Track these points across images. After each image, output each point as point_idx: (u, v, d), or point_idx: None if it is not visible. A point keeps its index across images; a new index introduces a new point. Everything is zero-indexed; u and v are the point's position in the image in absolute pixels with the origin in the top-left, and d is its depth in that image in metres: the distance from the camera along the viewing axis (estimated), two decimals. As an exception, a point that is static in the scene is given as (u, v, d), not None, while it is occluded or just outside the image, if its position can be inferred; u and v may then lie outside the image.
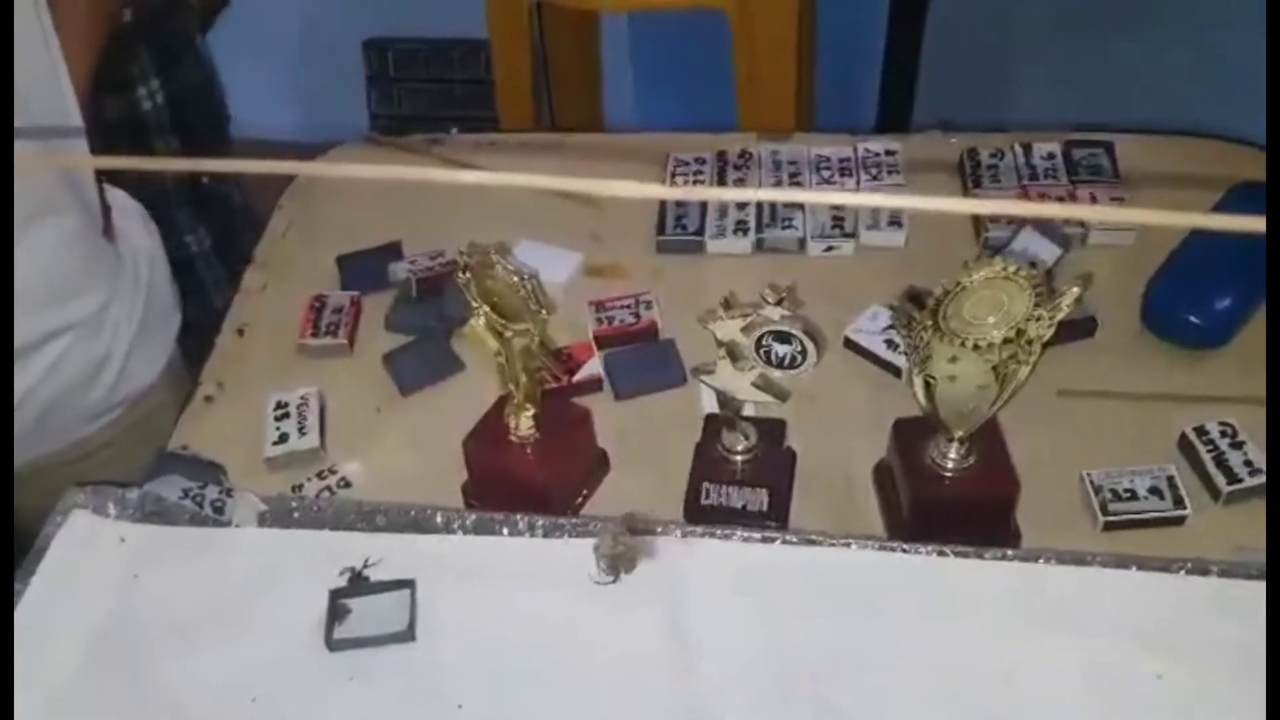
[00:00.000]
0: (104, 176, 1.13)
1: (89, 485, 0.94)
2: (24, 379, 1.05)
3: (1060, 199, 1.14)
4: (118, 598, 0.89)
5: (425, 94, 2.55)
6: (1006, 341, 0.80)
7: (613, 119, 2.21)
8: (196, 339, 1.14)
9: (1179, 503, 0.90)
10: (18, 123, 0.96)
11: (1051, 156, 1.19)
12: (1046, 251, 1.08)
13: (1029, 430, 0.94)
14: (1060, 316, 0.79)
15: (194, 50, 1.67)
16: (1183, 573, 0.83)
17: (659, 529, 0.88)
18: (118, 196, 1.18)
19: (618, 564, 0.84)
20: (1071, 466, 0.94)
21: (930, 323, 0.80)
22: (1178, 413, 0.97)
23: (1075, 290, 0.79)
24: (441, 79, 2.51)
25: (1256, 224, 0.31)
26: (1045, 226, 1.10)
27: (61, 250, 1.04)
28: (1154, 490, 0.91)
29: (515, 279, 0.81)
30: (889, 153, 1.20)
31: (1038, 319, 0.79)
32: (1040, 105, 1.93)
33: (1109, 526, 0.90)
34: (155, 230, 1.22)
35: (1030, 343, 0.81)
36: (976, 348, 0.80)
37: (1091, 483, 0.92)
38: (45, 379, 1.07)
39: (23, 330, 1.04)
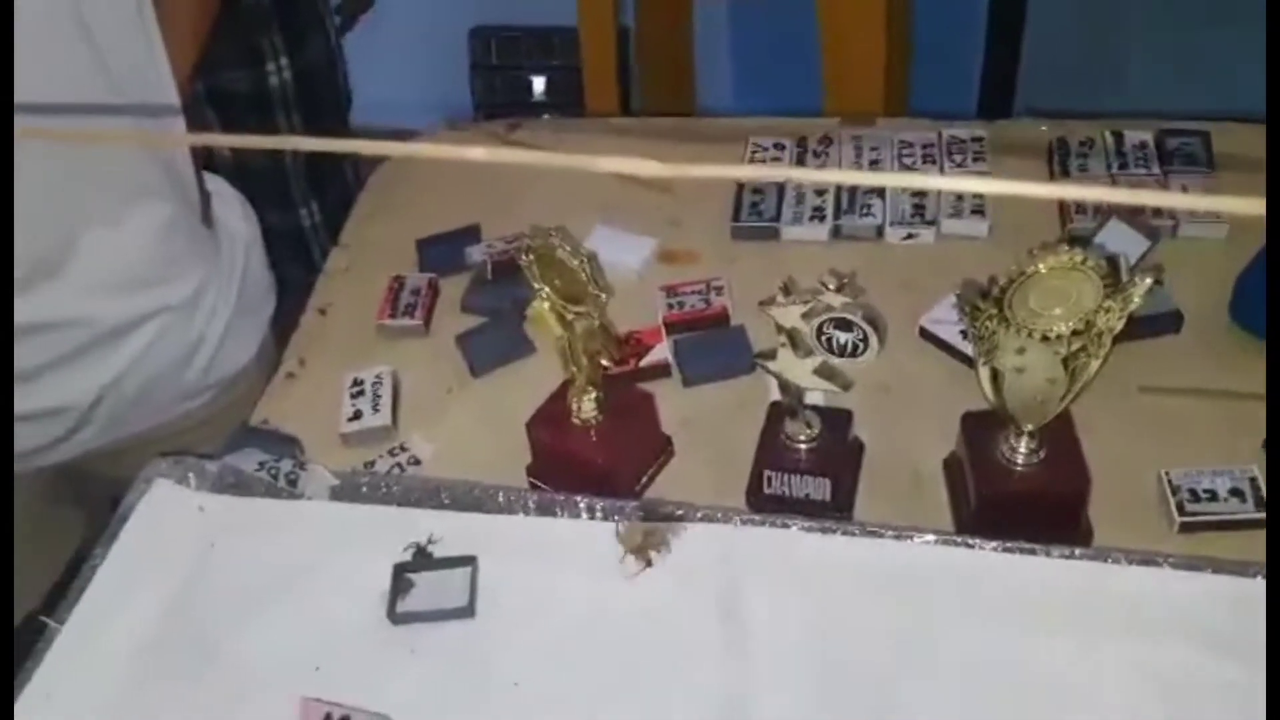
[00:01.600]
0: (203, 163, 1.16)
1: (171, 456, 0.97)
2: (120, 359, 1.09)
3: (1150, 188, 1.10)
4: (194, 564, 0.92)
5: (526, 81, 2.58)
6: (1075, 333, 0.78)
7: (707, 106, 2.19)
8: (300, 312, 1.17)
9: (1261, 505, 0.87)
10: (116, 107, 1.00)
11: (1143, 145, 1.15)
12: (1134, 243, 1.05)
13: (1108, 427, 0.92)
14: (1131, 309, 0.77)
15: (324, 30, 1.70)
16: (1258, 577, 0.80)
17: (694, 514, 0.87)
18: (218, 184, 1.21)
19: (644, 552, 0.83)
20: (1150, 465, 0.91)
21: (995, 311, 0.78)
22: (1264, 412, 0.93)
23: (1147, 282, 0.76)
24: (542, 66, 2.53)
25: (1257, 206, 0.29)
26: (1133, 218, 1.07)
27: (159, 234, 1.07)
28: (1235, 491, 0.88)
29: (575, 261, 0.82)
30: (975, 139, 1.18)
31: (1107, 310, 0.77)
32: (1147, 93, 1.87)
33: (1185, 528, 0.87)
34: (254, 218, 1.25)
35: (1100, 335, 0.78)
36: (1045, 339, 0.78)
37: (1170, 482, 0.89)
38: (140, 359, 1.10)
39: (119, 311, 1.07)
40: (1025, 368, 0.81)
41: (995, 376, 0.82)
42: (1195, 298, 1.02)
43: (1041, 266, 0.75)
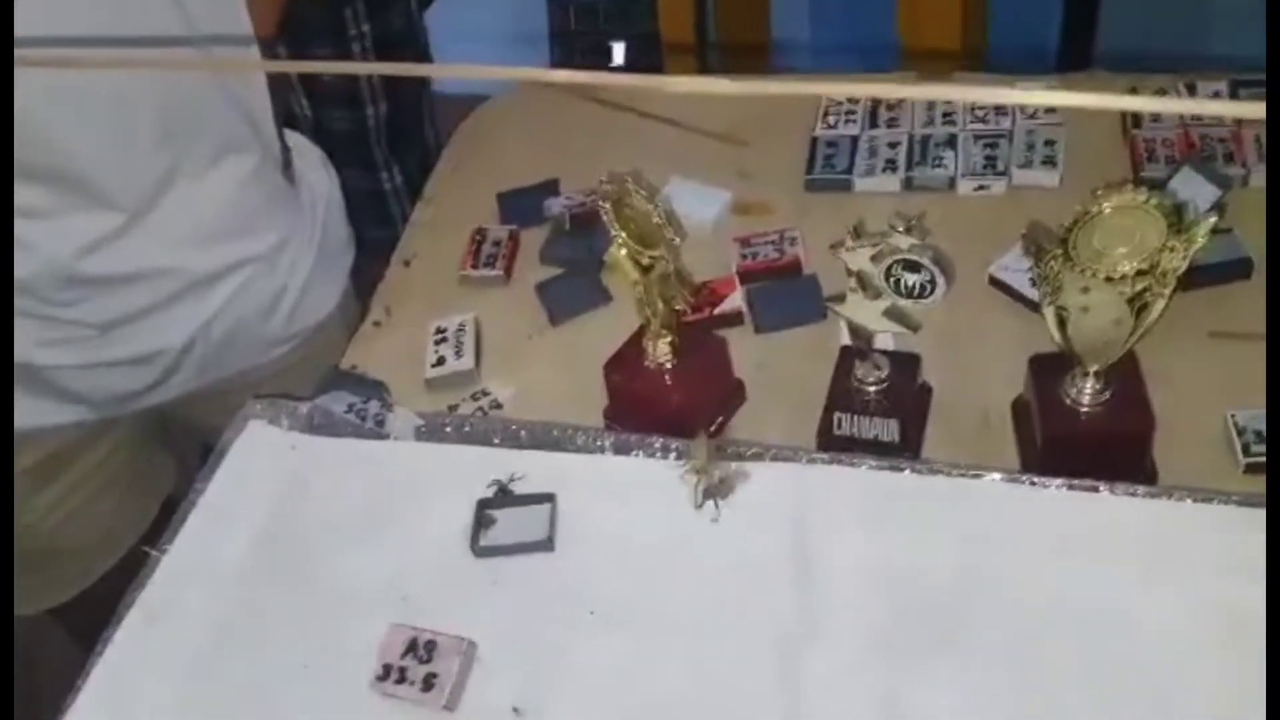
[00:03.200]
0: (284, 121, 1.20)
1: (266, 398, 1.02)
2: (209, 306, 1.14)
3: (1223, 140, 1.10)
4: (286, 499, 0.96)
5: (605, 47, 2.60)
6: (1140, 273, 0.79)
7: (781, 37, 2.15)
8: (381, 269, 1.21)
9: (1328, 445, 0.87)
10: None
11: (1217, 96, 1.14)
12: (1205, 192, 1.05)
13: (1178, 372, 0.93)
14: (1195, 248, 0.78)
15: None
16: (1323, 514, 0.81)
17: (765, 453, 0.90)
18: (297, 140, 1.25)
19: (714, 493, 0.86)
20: (1218, 409, 0.92)
21: (1060, 252, 0.79)
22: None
23: (1210, 220, 0.77)
24: (620, 33, 2.55)
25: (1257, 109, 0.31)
26: (1204, 166, 1.07)
27: (243, 187, 1.11)
28: (1303, 432, 0.88)
29: (649, 206, 0.85)
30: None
31: (1171, 250, 0.78)
32: (1234, 35, 1.80)
33: (1250, 469, 0.88)
34: (333, 173, 1.29)
35: (1164, 275, 0.79)
36: (1109, 279, 0.79)
37: (1235, 424, 0.90)
38: (226, 308, 1.15)
39: (207, 261, 1.12)
40: (1090, 308, 0.82)
41: (1061, 317, 0.84)
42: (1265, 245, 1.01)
43: (1105, 206, 0.77)
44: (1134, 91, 1.17)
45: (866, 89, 0.40)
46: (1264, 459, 0.88)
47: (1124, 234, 0.77)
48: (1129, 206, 0.76)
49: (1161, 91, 1.16)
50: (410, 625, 0.85)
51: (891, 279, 0.85)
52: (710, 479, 0.84)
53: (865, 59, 1.63)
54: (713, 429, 0.99)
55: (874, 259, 0.84)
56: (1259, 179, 1.07)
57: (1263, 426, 0.89)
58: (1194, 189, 1.05)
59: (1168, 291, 0.80)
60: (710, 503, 0.86)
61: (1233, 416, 0.90)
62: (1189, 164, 1.06)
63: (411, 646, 0.84)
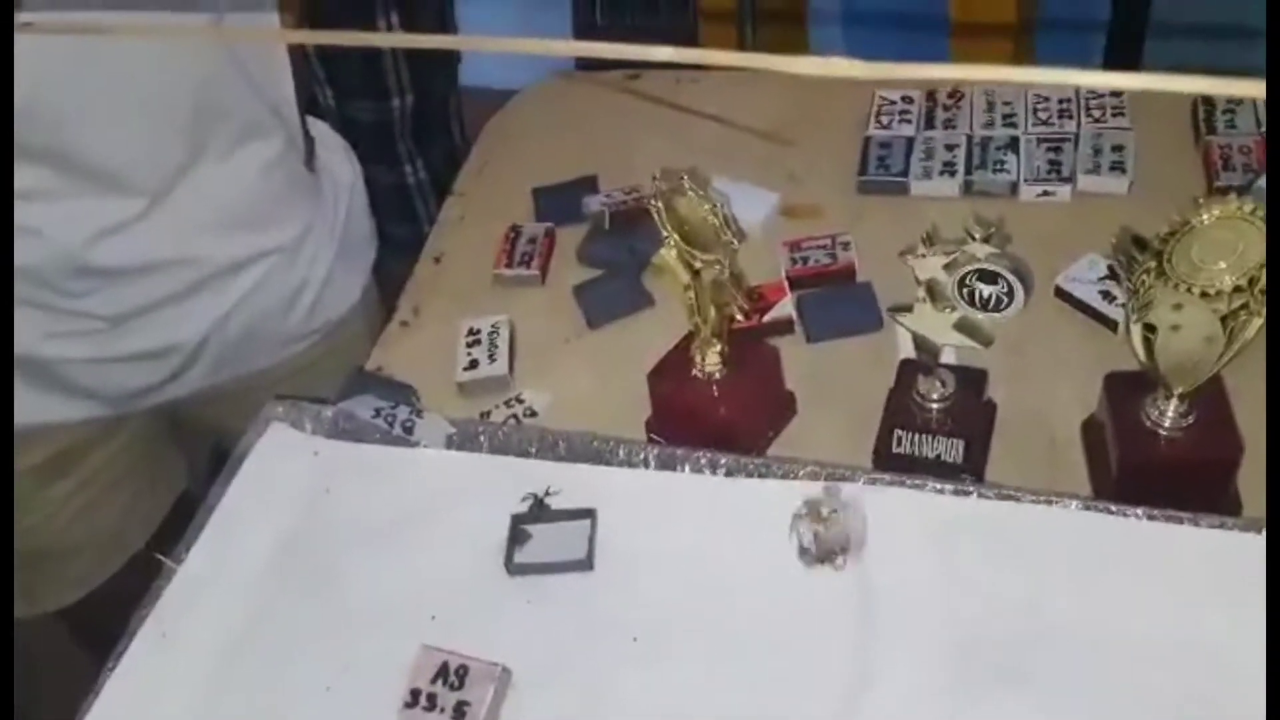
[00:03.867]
0: (306, 108, 1.16)
1: (288, 399, 0.97)
2: (227, 299, 1.09)
3: (1308, 147, 1.04)
4: (308, 508, 0.91)
5: (632, 41, 2.54)
6: (1238, 290, 0.74)
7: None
8: (403, 267, 1.16)
9: None
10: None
11: (1299, 100, 1.08)
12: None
13: (1258, 391, 0.86)
14: (1304, 264, 0.72)
15: None
16: None
17: (820, 471, 0.85)
18: (321, 129, 1.21)
19: (837, 551, 0.80)
20: (1305, 433, 0.86)
21: (1154, 265, 0.73)
22: None
23: (1322, 235, 0.71)
24: (647, 26, 2.50)
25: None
26: (1287, 177, 1.01)
27: (265, 175, 1.07)
28: (1403, 463, 0.83)
29: (706, 206, 0.79)
30: (1114, 94, 1.12)
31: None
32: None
33: (1347, 501, 0.82)
34: (356, 163, 1.24)
35: (1264, 292, 0.74)
36: (1204, 295, 0.74)
37: (1328, 452, 0.84)
38: (244, 301, 1.10)
39: (225, 251, 1.07)
40: (1182, 325, 0.77)
41: (1147, 335, 0.78)
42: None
43: (1205, 216, 0.71)
44: (1208, 96, 1.11)
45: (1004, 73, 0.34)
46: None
47: (1224, 247, 0.72)
48: (1231, 217, 0.70)
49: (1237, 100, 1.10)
50: (440, 648, 0.80)
51: (965, 290, 0.79)
52: (832, 537, 0.78)
53: (907, 32, 1.57)
54: (763, 443, 0.93)
55: (947, 268, 0.79)
56: (1345, 190, 1.02)
57: (1357, 455, 0.83)
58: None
59: (1265, 310, 0.74)
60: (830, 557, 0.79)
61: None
62: (1268, 171, 1.00)
63: (442, 671, 0.79)
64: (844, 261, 1.03)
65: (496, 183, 1.21)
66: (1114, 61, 1.78)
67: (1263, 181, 1.00)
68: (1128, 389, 0.84)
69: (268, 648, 0.83)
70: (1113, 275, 0.97)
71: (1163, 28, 1.71)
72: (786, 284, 1.02)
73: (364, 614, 0.84)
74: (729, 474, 0.88)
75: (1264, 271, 0.72)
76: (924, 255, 0.79)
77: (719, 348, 0.89)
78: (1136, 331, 0.78)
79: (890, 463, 0.88)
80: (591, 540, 0.85)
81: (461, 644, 0.79)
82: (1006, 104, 1.14)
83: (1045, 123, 1.11)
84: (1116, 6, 1.75)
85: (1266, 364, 0.83)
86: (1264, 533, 0.78)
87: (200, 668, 0.82)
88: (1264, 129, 1.07)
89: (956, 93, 1.17)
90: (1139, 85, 0.36)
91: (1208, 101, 1.11)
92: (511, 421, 0.96)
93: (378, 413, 0.95)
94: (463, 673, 0.79)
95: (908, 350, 0.92)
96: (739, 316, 0.88)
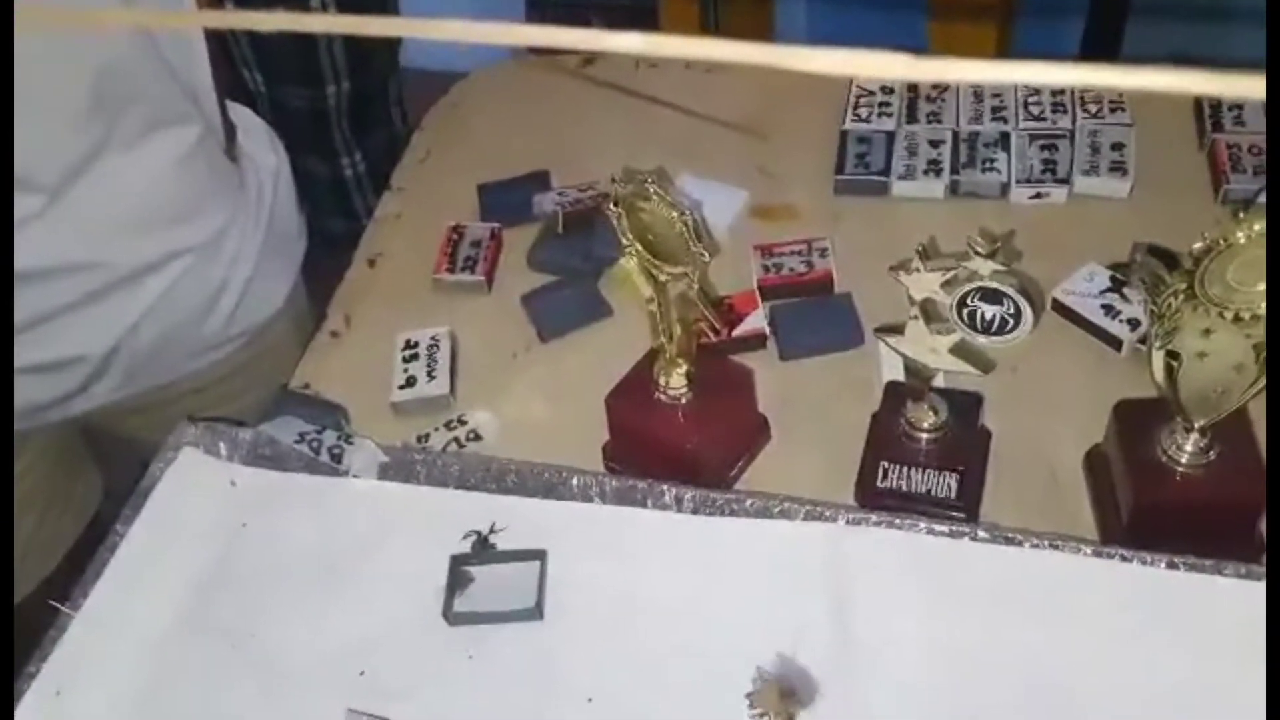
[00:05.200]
0: (228, 92, 1.05)
1: (201, 421, 0.87)
2: (138, 304, 0.99)
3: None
4: (223, 545, 0.82)
5: (585, 20, 2.44)
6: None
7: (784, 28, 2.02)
8: (339, 267, 1.06)
9: None
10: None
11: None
12: (1302, 209, 0.91)
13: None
14: (1350, 286, 0.64)
15: None
16: None
17: (797, 510, 0.76)
18: (243, 114, 1.10)
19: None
20: (1329, 467, 0.78)
21: (1184, 286, 0.65)
22: None
23: (1373, 254, 0.63)
24: (603, 5, 2.40)
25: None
26: (1301, 180, 0.93)
27: (179, 167, 0.97)
28: None
29: (673, 213, 0.70)
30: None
31: (1319, 288, 0.64)
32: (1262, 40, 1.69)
33: (1378, 544, 0.74)
34: (282, 151, 1.14)
35: (1306, 316, 0.65)
36: (1238, 319, 0.65)
37: (1358, 490, 0.76)
38: (158, 306, 1.00)
39: (135, 252, 0.97)
40: (1210, 352, 0.68)
41: (1170, 361, 0.70)
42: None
43: (1244, 234, 0.62)
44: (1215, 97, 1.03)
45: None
46: (1394, 534, 0.74)
47: (1263, 267, 0.63)
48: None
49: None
50: (368, 712, 0.72)
51: (965, 310, 0.70)
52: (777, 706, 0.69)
53: (879, 12, 1.49)
54: (733, 473, 0.84)
55: (945, 286, 0.70)
56: (1364, 196, 0.94)
57: (1392, 495, 0.75)
58: (1288, 206, 0.91)
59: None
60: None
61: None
62: (1283, 177, 0.92)
63: None
64: (820, 270, 0.94)
65: (439, 177, 1.11)
66: (1093, 42, 1.72)
67: (1277, 185, 0.92)
68: (1141, 419, 0.76)
69: (175, 709, 0.75)
70: (1116, 287, 0.89)
71: (1144, 7, 1.65)
72: (758, 294, 0.93)
73: (284, 670, 0.76)
74: (695, 510, 0.79)
75: (1308, 295, 0.64)
76: (919, 271, 0.70)
77: (685, 368, 0.80)
78: (1159, 358, 0.70)
79: (875, 498, 0.80)
80: (541, 585, 0.78)
81: (393, 706, 0.73)
82: (996, 96, 1.05)
83: (1038, 117, 1.03)
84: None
85: (1266, 364, 0.76)
86: (1295, 584, 0.70)
87: (95, 735, 0.72)
88: (1275, 127, 0.99)
89: (940, 83, 1.08)
90: (1131, 84, 0.28)
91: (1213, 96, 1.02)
92: (452, 447, 0.87)
93: (302, 437, 0.86)
94: None
95: (894, 371, 0.83)
96: (709, 335, 0.78)
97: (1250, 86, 0.29)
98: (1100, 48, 1.69)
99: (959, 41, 1.44)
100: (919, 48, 1.23)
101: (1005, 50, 1.54)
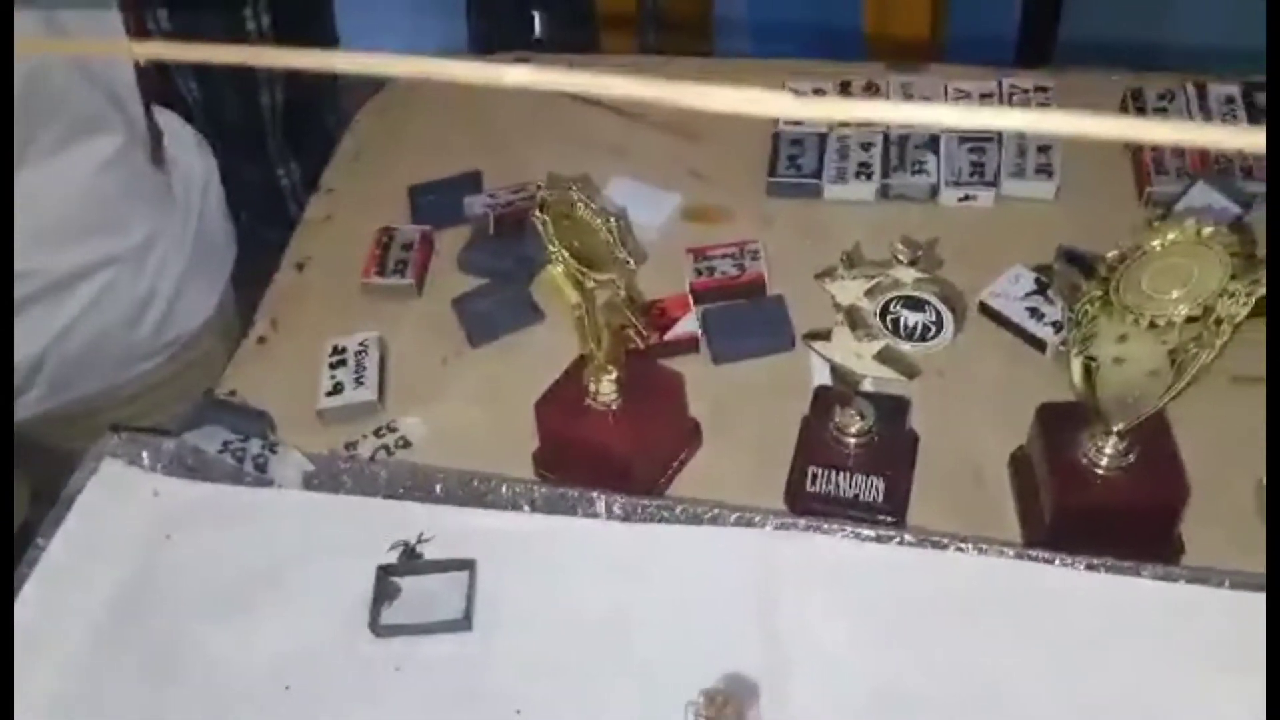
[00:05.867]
0: (151, 98, 1.03)
1: (123, 431, 0.85)
2: (64, 314, 0.97)
3: (1239, 151, 0.98)
4: (146, 559, 0.81)
5: (528, 20, 2.42)
6: (1190, 320, 0.66)
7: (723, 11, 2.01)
8: (268, 279, 1.04)
9: (1383, 520, 0.75)
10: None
11: (1230, 100, 1.02)
12: (1222, 211, 0.92)
13: (1195, 423, 0.80)
14: (1260, 293, 0.65)
15: None
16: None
17: (727, 515, 0.77)
18: (170, 120, 1.08)
19: None
20: (1245, 468, 0.80)
21: (1100, 294, 0.66)
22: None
23: (1283, 262, 0.64)
24: (544, 2, 2.38)
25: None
26: (1221, 182, 0.95)
27: (103, 173, 0.95)
28: (1350, 503, 0.76)
29: (599, 221, 0.69)
30: (1040, 89, 1.05)
31: (1231, 295, 0.65)
32: (1204, 25, 1.70)
33: (1293, 544, 0.76)
34: (211, 158, 1.12)
35: (1219, 323, 0.66)
36: (1153, 325, 0.66)
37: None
38: (86, 315, 0.98)
39: (61, 261, 0.95)
40: (1125, 359, 0.69)
41: (1088, 368, 0.70)
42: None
43: (1158, 242, 0.63)
44: (1137, 92, 1.04)
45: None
46: (1308, 534, 0.76)
47: (1177, 274, 0.64)
48: (1187, 241, 0.62)
49: (1169, 94, 1.03)
50: None
51: (889, 317, 0.70)
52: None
53: (823, 45, 1.49)
54: (664, 480, 0.84)
55: (869, 293, 0.70)
56: (1283, 198, 0.95)
57: (1306, 495, 0.77)
58: (1209, 207, 0.92)
59: (1219, 343, 0.67)
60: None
61: (1266, 482, 0.78)
62: (1204, 179, 0.94)
63: None
64: (752, 273, 0.94)
65: (369, 178, 1.10)
66: (1030, 29, 1.73)
67: (1197, 189, 0.93)
68: (1062, 422, 0.77)
69: None
70: (1040, 290, 0.89)
71: (1070, 46, 1.67)
72: (690, 297, 0.93)
73: (208, 684, 0.75)
74: (626, 517, 0.79)
75: (1221, 302, 0.65)
76: (844, 279, 0.70)
77: (615, 374, 0.79)
78: (1077, 364, 0.70)
79: (804, 503, 0.80)
80: (470, 596, 0.77)
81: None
82: (926, 98, 1.05)
83: (967, 120, 1.03)
84: (1025, 24, 1.71)
85: (1266, 363, 0.77)
86: (1215, 584, 0.72)
87: (13, 754, 0.71)
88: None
89: (872, 85, 1.08)
90: (1135, 134, 0.28)
91: (1137, 96, 1.04)
92: (381, 455, 0.86)
93: (226, 446, 0.85)
94: None
95: (823, 375, 0.84)
96: (637, 342, 0.78)
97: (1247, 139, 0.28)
98: (1038, 21, 1.69)
99: (894, 11, 1.42)
100: (854, 20, 1.23)
101: (940, 16, 1.53)
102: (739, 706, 0.63)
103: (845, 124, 1.04)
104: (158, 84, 1.10)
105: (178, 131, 1.08)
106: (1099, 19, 1.73)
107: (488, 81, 0.28)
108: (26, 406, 1.02)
